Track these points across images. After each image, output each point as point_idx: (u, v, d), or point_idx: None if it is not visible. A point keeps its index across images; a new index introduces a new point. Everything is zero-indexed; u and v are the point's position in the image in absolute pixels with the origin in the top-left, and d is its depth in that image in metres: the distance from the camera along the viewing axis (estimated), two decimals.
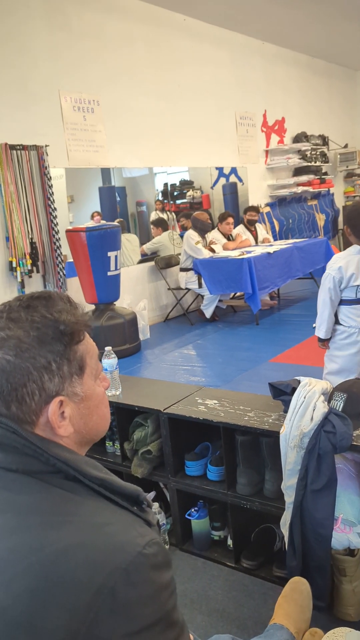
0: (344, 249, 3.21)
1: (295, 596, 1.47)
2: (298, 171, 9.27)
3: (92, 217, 5.77)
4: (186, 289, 6.52)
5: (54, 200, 5.12)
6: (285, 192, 8.79)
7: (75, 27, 5.46)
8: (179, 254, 6.68)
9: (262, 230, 7.50)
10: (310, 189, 9.25)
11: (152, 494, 2.39)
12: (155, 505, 2.20)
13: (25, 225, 4.94)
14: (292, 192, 8.81)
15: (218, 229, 6.98)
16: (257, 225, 7.41)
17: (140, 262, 6.57)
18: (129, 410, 2.31)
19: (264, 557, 2.10)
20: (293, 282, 6.92)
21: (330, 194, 10.23)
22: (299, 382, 1.90)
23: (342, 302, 3.01)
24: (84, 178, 5.84)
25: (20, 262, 4.90)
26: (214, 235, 6.81)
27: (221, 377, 4.46)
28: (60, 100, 5.35)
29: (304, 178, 9.09)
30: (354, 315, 2.98)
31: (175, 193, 7.26)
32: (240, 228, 7.24)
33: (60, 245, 5.19)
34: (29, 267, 4.96)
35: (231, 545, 2.16)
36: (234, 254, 6.21)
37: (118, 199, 6.38)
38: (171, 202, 7.20)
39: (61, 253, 5.21)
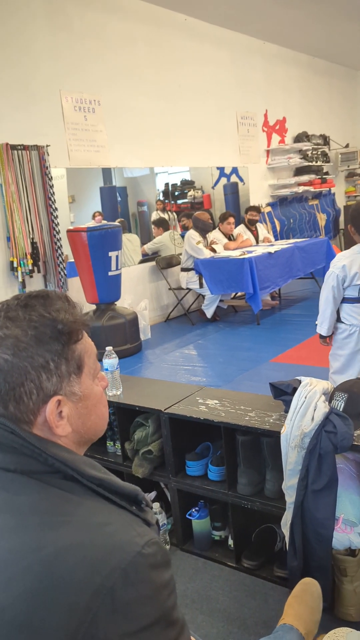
0: (346, 249, 3.21)
1: (306, 597, 1.46)
2: (299, 171, 9.26)
3: (94, 217, 5.77)
4: (187, 289, 6.52)
5: (55, 200, 5.12)
6: (287, 191, 8.79)
7: (76, 27, 5.46)
8: (180, 254, 6.67)
9: (262, 229, 7.50)
10: (311, 188, 9.25)
11: (152, 494, 2.39)
12: (156, 505, 2.20)
13: (26, 225, 4.95)
14: (293, 191, 8.81)
15: (219, 229, 6.98)
16: (258, 224, 7.41)
17: (141, 262, 6.57)
18: (129, 410, 2.31)
19: (265, 557, 2.10)
20: (294, 282, 6.91)
21: (332, 193, 10.23)
22: (299, 382, 1.90)
23: (344, 300, 3.03)
24: (85, 178, 5.84)
25: (22, 262, 4.90)
26: (215, 235, 6.81)
27: (222, 377, 4.46)
28: (61, 100, 5.35)
29: (305, 178, 9.08)
30: (355, 314, 3.00)
31: (176, 193, 7.26)
32: (241, 228, 7.23)
33: (61, 245, 5.19)
34: (30, 267, 4.96)
35: (232, 545, 2.15)
36: (235, 253, 6.21)
37: (119, 198, 6.38)
38: (172, 202, 7.20)
39: (62, 253, 5.21)
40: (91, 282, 5.09)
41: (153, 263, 6.61)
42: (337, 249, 7.39)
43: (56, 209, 5.14)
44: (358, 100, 11.27)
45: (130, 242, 6.45)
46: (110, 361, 2.31)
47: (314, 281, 7.34)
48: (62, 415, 0.83)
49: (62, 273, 5.20)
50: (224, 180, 7.86)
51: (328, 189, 9.94)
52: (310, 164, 9.28)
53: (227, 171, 7.88)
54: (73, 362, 0.84)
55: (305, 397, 1.78)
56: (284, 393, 1.95)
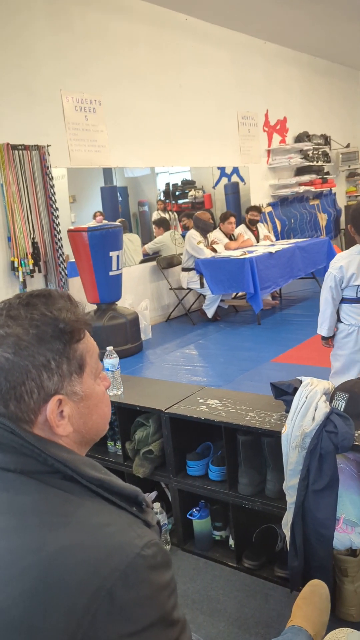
0: (346, 249, 3.22)
1: (315, 599, 1.46)
2: (300, 171, 9.25)
3: (95, 216, 5.76)
4: (188, 288, 6.52)
5: (55, 200, 5.12)
6: (287, 191, 8.78)
7: (77, 27, 5.46)
8: (181, 254, 6.67)
9: (263, 229, 7.50)
10: (312, 188, 9.24)
11: (153, 494, 2.39)
12: (157, 505, 2.20)
13: (27, 225, 4.95)
14: (294, 191, 8.80)
15: (220, 229, 6.98)
16: (258, 224, 7.41)
17: (142, 262, 6.57)
18: (130, 410, 2.31)
19: (266, 557, 2.09)
20: (295, 282, 6.91)
21: (332, 193, 10.22)
22: (300, 382, 1.90)
23: (343, 300, 3.05)
24: (85, 178, 5.84)
25: (22, 262, 4.90)
26: (215, 235, 6.81)
27: (223, 377, 4.46)
28: (62, 100, 5.35)
29: (305, 178, 9.08)
30: (354, 314, 3.02)
31: (177, 193, 7.26)
32: (242, 228, 7.23)
33: (62, 245, 5.19)
34: (31, 267, 4.96)
35: (233, 546, 2.15)
36: (236, 253, 6.21)
37: (120, 198, 6.38)
38: (173, 201, 7.20)
39: (63, 253, 5.21)
40: (92, 282, 5.09)
41: (154, 263, 6.61)
42: (338, 249, 7.39)
43: (57, 208, 5.14)
44: (359, 100, 11.26)
45: (131, 242, 6.45)
46: (111, 361, 2.31)
47: (314, 281, 7.34)
48: (63, 415, 0.82)
49: (62, 273, 5.20)
50: (224, 180, 7.86)
51: (329, 189, 9.94)
52: (311, 163, 9.27)
53: (228, 171, 7.88)
54: (74, 361, 0.83)
55: (306, 397, 1.78)
56: (284, 393, 1.95)
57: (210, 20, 7.10)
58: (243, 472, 2.03)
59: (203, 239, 6.39)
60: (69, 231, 5.10)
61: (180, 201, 7.32)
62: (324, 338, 3.17)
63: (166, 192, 7.07)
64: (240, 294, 6.73)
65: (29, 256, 4.94)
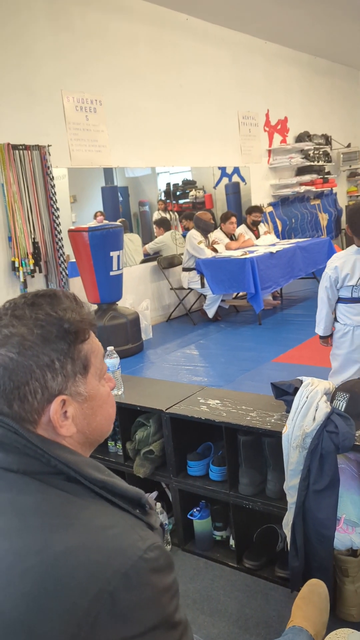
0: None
1: (314, 598, 1.46)
2: (301, 171, 9.25)
3: (95, 216, 5.77)
4: (189, 288, 6.52)
5: (56, 200, 5.12)
6: (288, 191, 8.78)
7: (78, 27, 5.46)
8: (182, 254, 6.67)
9: (262, 227, 7.49)
10: (313, 188, 9.24)
11: (154, 494, 2.39)
12: (158, 505, 2.20)
13: (27, 225, 4.95)
14: (295, 191, 8.80)
15: (221, 229, 6.97)
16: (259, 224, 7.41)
17: (143, 262, 6.57)
18: (131, 410, 2.31)
19: (266, 557, 2.09)
20: (296, 281, 6.91)
21: (333, 193, 10.22)
22: (301, 382, 1.90)
23: (339, 300, 3.09)
24: (86, 178, 5.84)
25: (23, 262, 4.90)
26: (216, 235, 6.81)
27: (223, 377, 4.46)
28: (62, 100, 5.35)
29: (306, 177, 9.07)
30: (349, 314, 3.04)
31: (178, 193, 7.26)
32: (243, 228, 7.23)
33: (62, 245, 5.19)
34: (32, 267, 4.96)
35: (233, 546, 2.15)
36: (237, 253, 6.21)
37: (120, 198, 6.38)
38: (174, 201, 7.20)
39: (64, 253, 5.21)
40: (93, 282, 5.09)
41: (154, 263, 6.61)
42: (338, 249, 7.39)
43: (58, 208, 5.15)
44: (359, 100, 11.26)
45: (132, 242, 6.45)
46: (112, 361, 2.31)
47: (315, 281, 7.32)
48: (66, 415, 0.82)
49: (63, 273, 5.20)
50: (225, 180, 7.86)
51: (330, 188, 9.94)
52: (312, 163, 9.27)
53: (229, 171, 7.88)
54: (79, 361, 0.83)
55: (307, 397, 1.78)
56: (285, 393, 1.95)
57: (211, 20, 7.10)
58: (244, 472, 2.03)
59: (204, 239, 6.39)
60: (70, 231, 5.10)
61: (181, 201, 7.32)
62: (322, 337, 3.22)
63: (167, 192, 7.07)
64: (241, 294, 6.73)
65: (30, 256, 4.94)
